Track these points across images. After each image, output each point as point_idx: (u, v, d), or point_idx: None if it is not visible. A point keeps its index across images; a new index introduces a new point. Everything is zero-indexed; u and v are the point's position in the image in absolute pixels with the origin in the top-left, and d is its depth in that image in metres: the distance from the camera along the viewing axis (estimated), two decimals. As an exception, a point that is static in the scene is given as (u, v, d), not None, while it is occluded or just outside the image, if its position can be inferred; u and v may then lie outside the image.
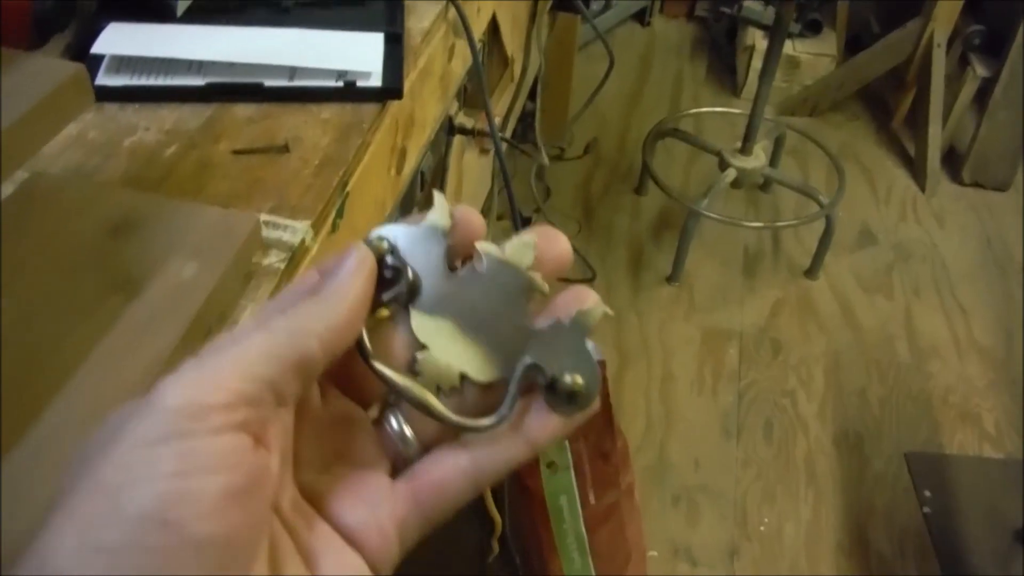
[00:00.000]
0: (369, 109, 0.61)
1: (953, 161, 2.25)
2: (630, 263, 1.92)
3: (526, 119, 1.81)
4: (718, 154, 1.90)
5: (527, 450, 0.28)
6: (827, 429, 1.61)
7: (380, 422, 0.29)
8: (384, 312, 0.29)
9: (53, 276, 0.43)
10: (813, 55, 2.36)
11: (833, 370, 1.73)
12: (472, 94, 1.26)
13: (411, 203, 0.74)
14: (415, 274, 0.28)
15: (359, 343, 0.28)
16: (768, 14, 2.37)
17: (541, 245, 0.28)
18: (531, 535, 1.13)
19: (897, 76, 2.32)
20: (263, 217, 0.51)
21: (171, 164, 0.53)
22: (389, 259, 0.28)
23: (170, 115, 0.57)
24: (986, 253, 2.03)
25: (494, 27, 1.29)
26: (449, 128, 0.82)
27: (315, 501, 0.27)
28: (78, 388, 0.38)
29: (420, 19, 0.70)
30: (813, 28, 2.40)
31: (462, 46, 0.79)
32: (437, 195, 0.29)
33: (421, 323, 0.29)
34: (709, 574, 1.39)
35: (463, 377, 0.28)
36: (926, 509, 1.48)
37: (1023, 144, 2.14)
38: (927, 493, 1.51)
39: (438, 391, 0.28)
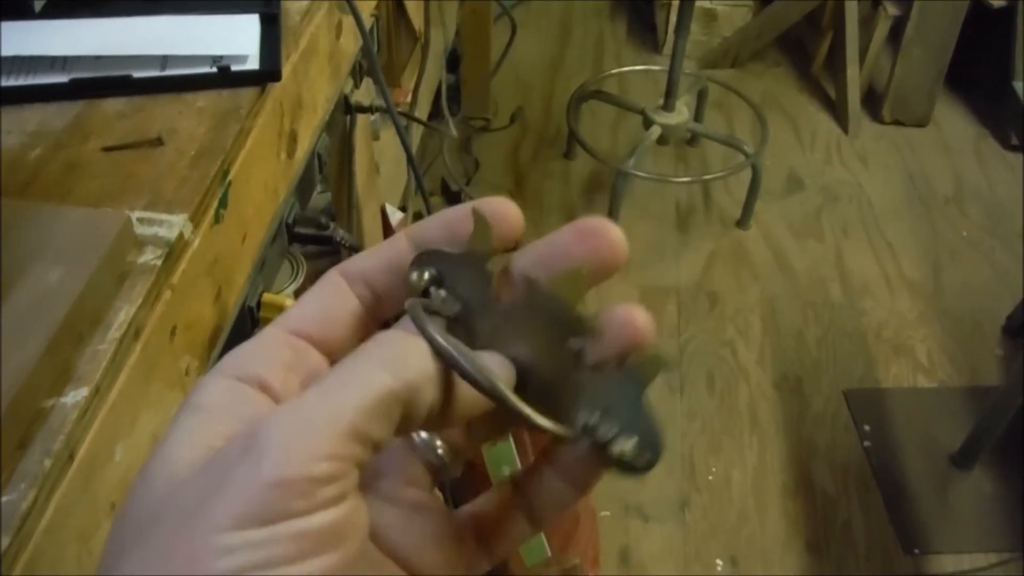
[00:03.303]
0: (247, 94, 0.59)
1: (873, 101, 2.29)
2: (564, 229, 1.92)
3: (451, 92, 1.79)
4: (642, 112, 1.91)
5: (576, 496, 0.26)
6: (767, 374, 1.64)
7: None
8: None
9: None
10: (730, 6, 2.37)
11: (770, 316, 1.76)
12: (386, 70, 1.24)
13: (309, 187, 0.72)
14: (462, 308, 0.26)
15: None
16: (682, -32, 2.37)
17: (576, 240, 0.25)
18: (478, 508, 1.13)
19: (814, 21, 2.35)
20: (137, 214, 0.49)
21: (36, 167, 0.51)
22: (433, 291, 0.26)
23: (34, 116, 0.55)
24: (910, 189, 2.08)
25: (399, 1, 1.27)
26: (346, 107, 0.81)
27: (383, 545, 0.25)
28: (-63, 408, 0.37)
29: (298, -3, 0.68)
30: (728, -21, 2.41)
31: (352, 22, 0.77)
32: (477, 215, 0.25)
33: None
34: (661, 528, 1.41)
35: None
36: (866, 443, 1.52)
37: (938, 79, 2.19)
38: (866, 428, 1.55)
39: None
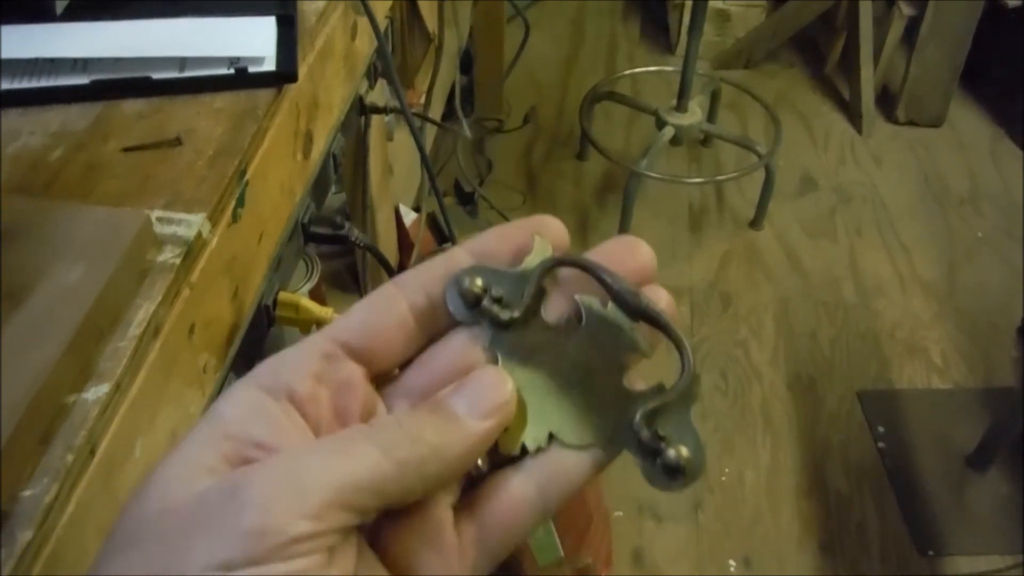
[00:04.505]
0: (264, 95, 0.59)
1: (887, 101, 2.28)
2: (577, 229, 1.92)
3: (464, 93, 1.79)
4: (655, 113, 1.91)
5: (594, 470, 0.26)
6: (780, 374, 1.64)
7: None
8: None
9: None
10: (743, 7, 2.37)
11: (782, 316, 1.75)
12: (400, 71, 1.24)
13: (325, 187, 0.73)
14: (510, 318, 0.26)
15: None
16: (695, -31, 2.36)
17: (621, 255, 0.27)
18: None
19: (827, 21, 2.34)
20: (156, 213, 0.50)
21: (58, 167, 0.52)
22: (485, 299, 0.26)
23: (56, 117, 0.55)
24: (924, 189, 2.07)
25: (413, 3, 1.28)
26: (360, 108, 0.81)
27: (379, 545, 0.24)
28: (-38, 403, 0.37)
29: (314, -1, 0.68)
30: (741, -21, 2.40)
31: (367, 24, 0.78)
32: (538, 239, 0.27)
33: (510, 373, 0.26)
34: (675, 528, 1.41)
35: (551, 437, 0.26)
36: (880, 444, 1.52)
37: (953, 79, 2.18)
38: (880, 429, 1.54)
39: (523, 450, 0.26)
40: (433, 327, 0.27)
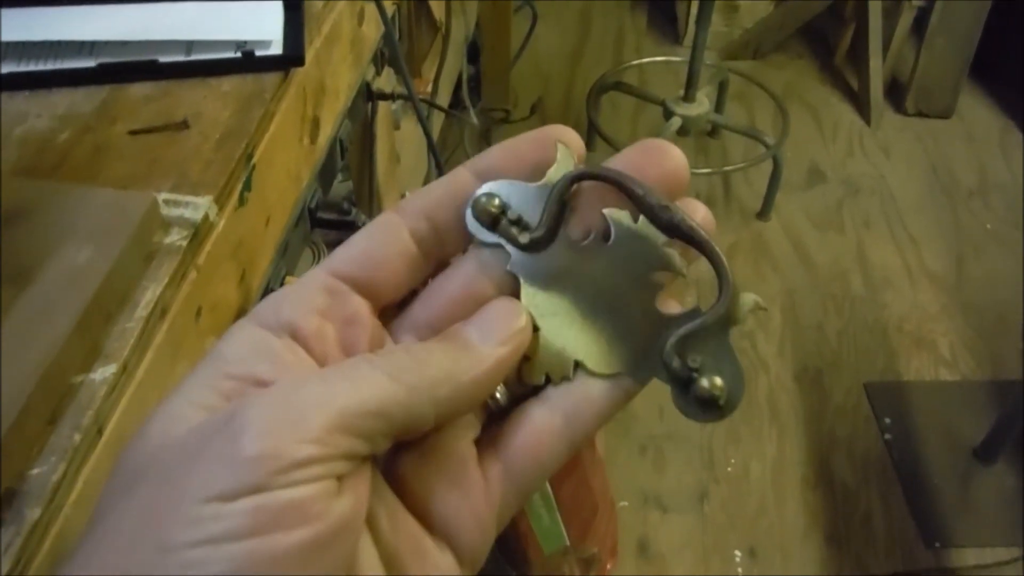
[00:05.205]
0: (271, 78, 0.59)
1: (896, 92, 2.26)
2: (583, 220, 1.92)
3: (471, 83, 1.79)
4: (662, 104, 1.90)
5: (624, 398, 0.24)
6: (787, 366, 1.64)
7: None
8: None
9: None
10: (751, -3, 2.36)
11: (789, 308, 1.75)
12: (407, 60, 1.24)
13: (332, 172, 0.72)
14: (531, 240, 0.24)
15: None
16: (704, -41, 2.35)
17: (642, 161, 0.24)
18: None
19: (836, 12, 2.33)
20: (163, 196, 0.49)
21: (65, 150, 0.52)
22: (503, 220, 0.24)
23: (62, 100, 0.55)
24: (932, 181, 2.06)
25: (420, -9, 1.27)
26: (368, 95, 0.81)
27: (398, 484, 0.23)
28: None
29: (321, -17, 0.68)
30: (750, -30, 2.39)
31: (374, 10, 0.77)
32: (561, 149, 0.24)
33: (533, 299, 0.24)
34: (680, 518, 1.41)
35: (578, 366, 0.24)
36: (887, 436, 1.51)
37: (962, 71, 2.16)
38: (887, 420, 1.54)
39: (546, 380, 0.24)
40: (438, 253, 0.25)
